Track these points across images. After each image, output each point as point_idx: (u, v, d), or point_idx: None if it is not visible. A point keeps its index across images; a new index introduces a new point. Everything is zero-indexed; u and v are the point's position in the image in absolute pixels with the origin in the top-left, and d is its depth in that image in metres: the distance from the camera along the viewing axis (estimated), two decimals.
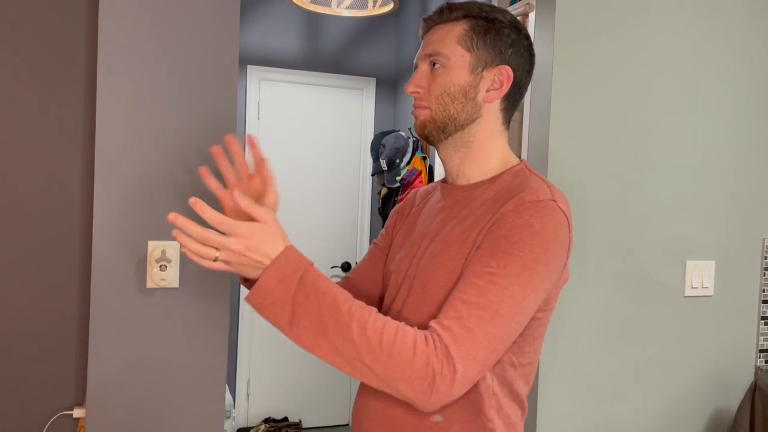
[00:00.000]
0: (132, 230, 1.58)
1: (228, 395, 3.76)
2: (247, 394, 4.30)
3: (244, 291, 4.27)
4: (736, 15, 2.17)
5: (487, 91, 1.17)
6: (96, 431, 1.58)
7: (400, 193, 3.93)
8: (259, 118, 4.25)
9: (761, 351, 2.24)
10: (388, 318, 1.03)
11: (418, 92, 1.19)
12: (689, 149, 2.13)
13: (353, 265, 4.51)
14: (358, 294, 1.35)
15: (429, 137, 1.20)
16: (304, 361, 4.40)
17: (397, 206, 1.42)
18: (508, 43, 1.17)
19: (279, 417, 4.36)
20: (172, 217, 1.02)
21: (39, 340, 1.81)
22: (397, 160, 3.92)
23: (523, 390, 1.19)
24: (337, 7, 3.14)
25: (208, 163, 1.64)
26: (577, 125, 2.00)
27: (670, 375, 2.13)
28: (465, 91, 1.16)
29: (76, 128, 1.82)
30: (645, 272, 2.09)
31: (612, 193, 2.04)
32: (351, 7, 3.20)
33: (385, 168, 4.00)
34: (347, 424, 4.55)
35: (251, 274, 1.06)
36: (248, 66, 4.20)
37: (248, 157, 1.25)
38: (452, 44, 1.16)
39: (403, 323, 1.04)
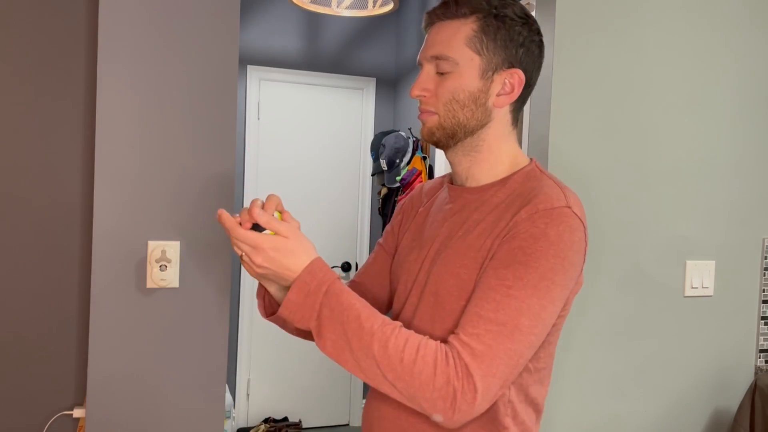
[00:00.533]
0: (132, 230, 1.58)
1: (228, 395, 3.76)
2: (247, 394, 4.30)
3: (244, 291, 4.27)
4: (736, 14, 2.17)
5: (498, 95, 1.12)
6: (96, 431, 1.58)
7: (400, 193, 3.93)
8: (259, 118, 4.25)
9: (761, 351, 2.24)
10: (411, 333, 1.02)
11: (425, 96, 1.13)
12: (689, 149, 2.13)
13: (353, 265, 4.51)
14: (365, 298, 1.32)
15: (438, 144, 1.16)
16: (304, 361, 4.40)
17: (402, 203, 1.38)
18: (519, 42, 1.10)
19: (279, 417, 4.36)
20: (220, 212, 1.05)
21: (39, 340, 1.81)
22: (397, 160, 3.92)
23: (540, 393, 1.17)
24: (337, 7, 3.14)
25: (208, 162, 1.64)
26: (577, 124, 1.99)
27: (670, 375, 2.13)
28: (475, 97, 1.10)
29: (76, 128, 1.82)
30: (645, 272, 2.09)
31: (612, 193, 2.04)
32: (351, 7, 3.20)
33: (385, 168, 4.00)
34: (347, 424, 4.55)
35: (274, 287, 1.10)
36: (248, 66, 4.20)
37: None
38: (461, 46, 1.09)
39: (425, 338, 1.02)
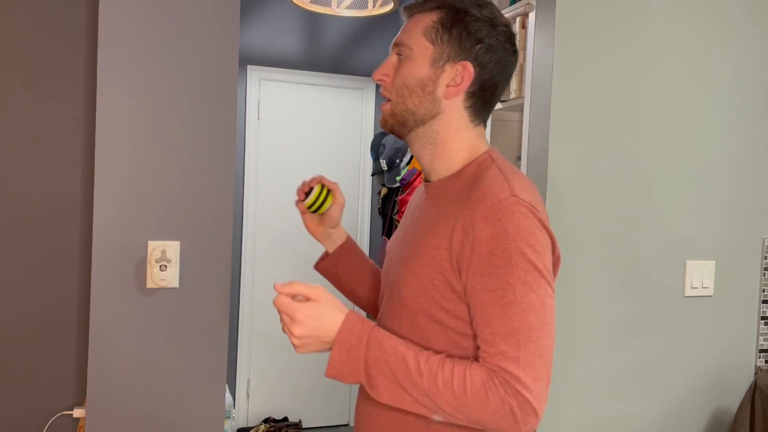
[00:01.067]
0: (132, 230, 1.58)
1: (228, 395, 3.76)
2: (247, 394, 4.30)
3: (244, 291, 4.27)
4: (736, 15, 2.17)
5: (447, 86, 1.14)
6: (96, 431, 1.58)
7: (400, 193, 3.93)
8: (259, 118, 4.25)
9: (761, 351, 2.24)
10: (455, 362, 1.05)
11: (384, 80, 1.18)
12: (689, 149, 2.13)
13: None
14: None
15: (393, 131, 1.20)
16: (304, 361, 4.40)
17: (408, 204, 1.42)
18: (476, 38, 1.12)
19: (279, 417, 4.36)
20: (277, 286, 1.08)
21: (39, 340, 1.81)
22: (397, 160, 3.92)
23: None
24: (337, 7, 3.14)
25: (208, 162, 1.64)
26: (577, 125, 1.99)
27: (670, 375, 2.13)
28: (423, 84, 1.14)
29: (76, 128, 1.82)
30: (645, 272, 2.09)
31: (612, 193, 2.04)
32: (351, 7, 3.20)
33: (385, 168, 4.00)
34: (347, 424, 4.55)
35: (322, 348, 1.10)
36: (248, 66, 4.19)
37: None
38: (418, 35, 1.14)
39: (468, 363, 1.05)
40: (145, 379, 1.60)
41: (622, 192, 2.05)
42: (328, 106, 4.41)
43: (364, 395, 1.22)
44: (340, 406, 4.53)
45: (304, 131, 4.37)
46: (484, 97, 1.16)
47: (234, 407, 4.23)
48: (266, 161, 4.28)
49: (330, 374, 1.09)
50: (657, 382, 2.12)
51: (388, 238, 3.65)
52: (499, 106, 2.52)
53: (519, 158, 2.56)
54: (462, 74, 1.13)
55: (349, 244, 1.45)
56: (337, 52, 4.42)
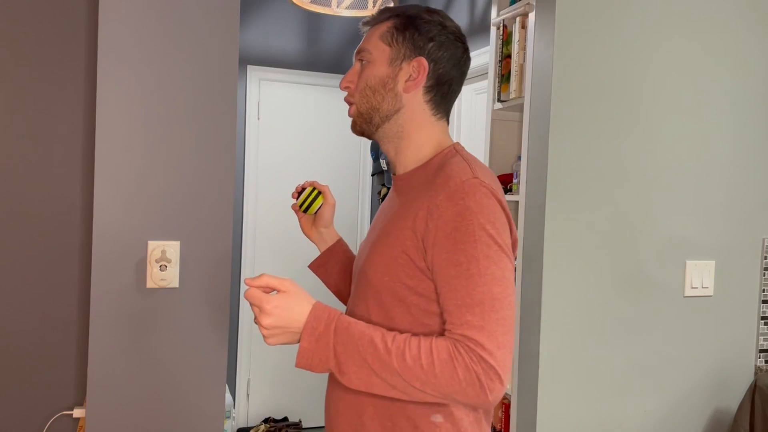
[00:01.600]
0: (132, 230, 1.58)
1: (228, 395, 3.76)
2: (247, 394, 4.30)
3: (243, 291, 4.27)
4: (735, 16, 2.17)
5: (406, 81, 1.23)
6: (96, 431, 1.58)
7: None
8: (259, 118, 4.25)
9: (761, 351, 2.24)
10: (420, 338, 1.10)
11: (349, 87, 1.28)
12: (689, 149, 2.13)
13: None
14: None
15: (363, 132, 1.29)
16: None
17: None
18: (428, 37, 1.23)
19: (279, 417, 4.36)
20: (247, 280, 1.14)
21: (39, 340, 1.81)
22: None
23: None
24: (337, 7, 3.14)
25: (208, 162, 1.64)
26: (576, 125, 2.00)
27: (669, 375, 2.13)
28: (384, 82, 1.24)
29: (76, 128, 1.82)
30: (645, 272, 2.09)
31: (612, 193, 2.04)
32: (351, 7, 3.20)
33: (385, 168, 4.00)
34: None
35: (291, 340, 1.14)
36: (248, 66, 4.19)
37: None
38: (376, 41, 1.25)
39: (433, 338, 1.10)
40: (145, 379, 1.60)
41: (622, 192, 2.05)
42: (328, 106, 4.41)
43: (332, 381, 1.27)
44: None
45: (304, 131, 4.37)
46: (441, 92, 1.26)
47: (234, 407, 4.23)
48: (266, 161, 4.27)
49: (300, 364, 1.13)
50: (657, 382, 2.12)
51: None
52: (498, 105, 2.52)
53: (519, 158, 2.56)
54: (418, 69, 1.23)
55: (339, 246, 1.54)
56: (337, 52, 4.42)
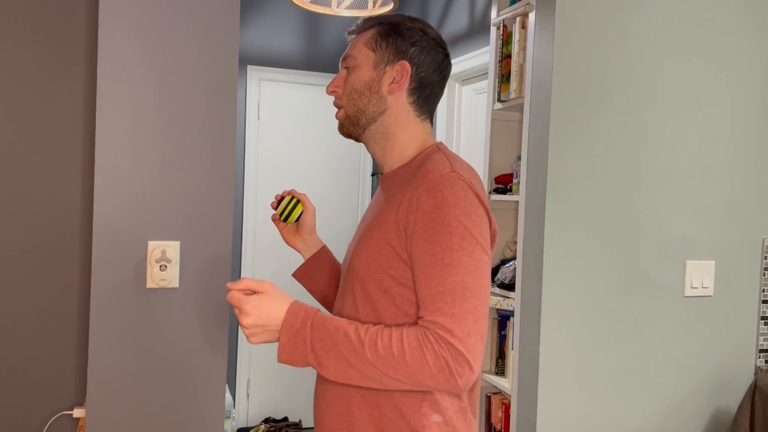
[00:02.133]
0: (132, 230, 1.58)
1: (228, 395, 3.76)
2: (247, 394, 4.30)
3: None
4: (735, 16, 2.17)
5: (390, 84, 1.29)
6: (96, 431, 1.58)
7: None
8: (259, 118, 4.25)
9: (761, 351, 2.24)
10: (392, 328, 1.16)
11: (336, 92, 1.34)
12: (689, 149, 2.13)
13: None
14: None
15: (350, 134, 1.35)
16: None
17: None
18: (410, 42, 1.30)
19: (279, 417, 4.36)
20: (228, 284, 1.21)
21: (39, 340, 1.81)
22: None
23: None
24: (337, 7, 3.14)
25: (208, 162, 1.64)
26: (576, 125, 2.00)
27: (670, 375, 2.13)
28: (369, 85, 1.30)
29: (76, 128, 1.82)
30: (645, 272, 2.09)
31: (612, 193, 2.04)
32: (351, 7, 3.20)
33: None
34: None
35: (271, 338, 1.21)
36: (248, 66, 4.19)
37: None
38: (360, 47, 1.32)
39: (404, 327, 1.15)
40: (145, 379, 1.60)
41: (622, 192, 2.05)
42: (328, 106, 4.41)
43: (319, 376, 1.32)
44: None
45: (304, 131, 4.37)
46: (424, 94, 1.32)
47: (234, 407, 4.23)
48: (266, 161, 4.27)
49: (281, 359, 1.19)
50: (657, 382, 2.12)
51: None
52: (498, 105, 2.52)
53: (519, 158, 2.56)
54: (401, 72, 1.29)
55: (323, 252, 1.57)
56: (337, 52, 4.42)
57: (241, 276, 4.26)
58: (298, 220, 1.53)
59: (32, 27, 1.78)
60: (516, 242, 2.58)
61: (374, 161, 1.43)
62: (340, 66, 1.38)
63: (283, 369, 4.37)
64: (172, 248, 1.60)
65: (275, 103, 4.29)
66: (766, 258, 2.24)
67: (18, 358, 1.79)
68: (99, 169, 1.55)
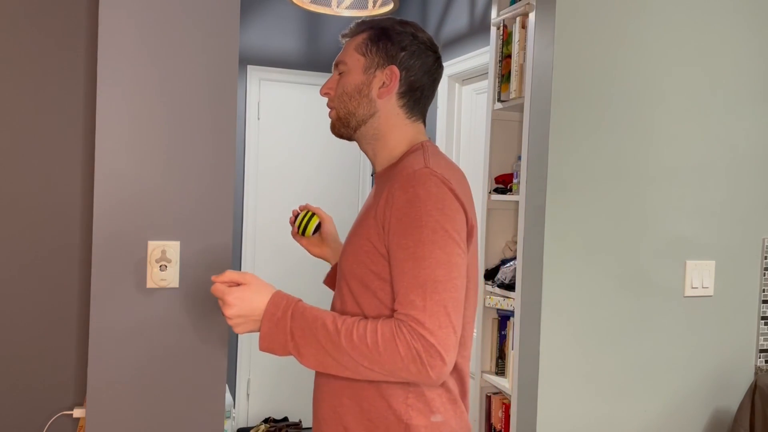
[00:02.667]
0: (132, 230, 1.58)
1: (228, 395, 3.76)
2: (247, 394, 4.30)
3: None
4: (735, 16, 2.17)
5: (380, 88, 1.33)
6: (96, 431, 1.58)
7: None
8: (259, 118, 4.25)
9: (761, 351, 2.24)
10: (368, 320, 1.19)
11: (329, 93, 1.38)
12: (689, 149, 2.13)
13: None
14: None
15: (342, 134, 1.38)
16: None
17: None
18: (400, 47, 1.33)
19: (279, 417, 4.36)
20: (213, 277, 1.26)
21: (39, 340, 1.81)
22: None
23: (461, 359, 1.31)
24: (337, 7, 3.14)
25: (208, 162, 1.64)
26: (577, 125, 2.00)
27: (670, 375, 2.13)
28: (359, 89, 1.33)
29: (76, 128, 1.82)
30: (645, 272, 2.09)
31: (612, 193, 2.04)
32: (351, 7, 3.20)
33: None
34: None
35: (255, 328, 1.24)
36: (248, 66, 4.19)
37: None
38: (351, 52, 1.36)
39: (380, 319, 1.19)
40: (145, 379, 1.60)
41: (622, 192, 2.05)
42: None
43: (317, 372, 1.36)
44: None
45: (304, 131, 4.37)
46: (414, 97, 1.35)
47: (234, 407, 4.23)
48: (266, 161, 4.27)
49: (262, 347, 1.23)
50: (657, 382, 2.12)
51: None
52: (499, 105, 2.52)
53: (519, 158, 2.56)
54: (390, 77, 1.32)
55: None
56: (337, 52, 4.42)
57: None
58: (317, 231, 1.59)
59: (32, 27, 1.78)
60: (516, 242, 2.58)
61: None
62: (332, 69, 1.41)
63: (283, 369, 4.37)
64: (172, 248, 1.60)
65: (275, 103, 4.29)
66: (766, 258, 2.24)
67: (18, 358, 1.79)
68: (99, 169, 1.55)
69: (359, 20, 1.39)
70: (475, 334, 2.67)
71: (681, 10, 2.10)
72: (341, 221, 4.46)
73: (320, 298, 3.81)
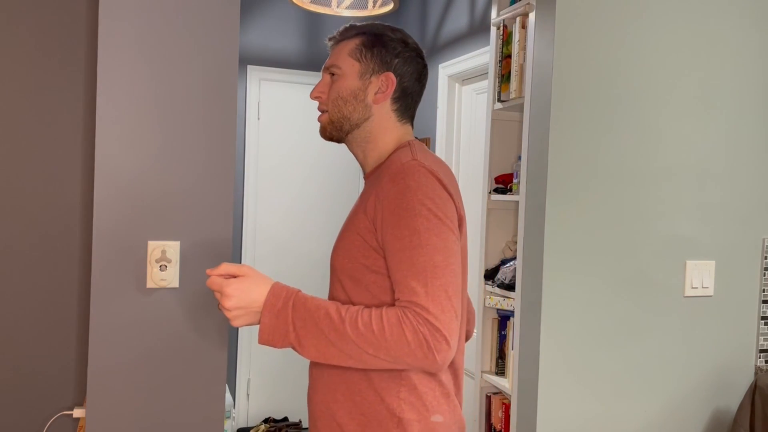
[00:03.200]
0: (132, 230, 1.58)
1: (228, 395, 3.76)
2: (247, 394, 4.30)
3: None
4: (735, 15, 2.17)
5: (375, 93, 1.36)
6: (96, 431, 1.58)
7: None
8: (259, 118, 4.25)
9: (761, 351, 2.24)
10: (371, 308, 1.21)
11: (320, 97, 1.40)
12: (689, 149, 2.13)
13: None
14: None
15: (332, 137, 1.40)
16: (304, 361, 4.40)
17: None
18: (394, 54, 1.37)
19: (279, 417, 4.36)
20: (208, 270, 1.26)
21: (39, 340, 1.81)
22: None
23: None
24: (337, 7, 3.14)
25: (208, 162, 1.64)
26: (576, 125, 2.00)
27: (670, 375, 2.13)
28: (355, 94, 1.36)
29: (76, 128, 1.83)
30: (645, 272, 2.09)
31: (612, 193, 2.04)
32: (351, 7, 3.20)
33: None
34: None
35: (254, 320, 1.24)
36: (248, 66, 4.19)
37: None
38: (345, 56, 1.37)
39: (384, 307, 1.20)
40: (145, 379, 1.60)
41: (622, 192, 2.05)
42: None
43: (312, 366, 1.38)
44: None
45: (304, 131, 4.37)
46: (406, 102, 1.39)
47: (234, 407, 4.23)
48: (266, 161, 4.28)
49: (262, 340, 1.22)
50: (657, 382, 2.12)
51: None
52: (499, 105, 2.52)
53: (519, 158, 2.56)
54: (386, 83, 1.36)
55: None
56: None
57: None
58: None
59: (32, 28, 1.78)
60: (516, 242, 2.58)
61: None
62: (322, 73, 1.43)
63: (283, 369, 4.37)
64: (172, 248, 1.60)
65: (275, 103, 4.29)
66: (766, 258, 2.24)
67: (18, 358, 1.79)
68: (99, 169, 1.56)
69: (346, 26, 1.41)
70: (475, 333, 2.67)
71: (681, 11, 2.10)
72: (340, 220, 4.46)
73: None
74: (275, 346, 1.23)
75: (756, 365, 2.24)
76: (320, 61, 4.40)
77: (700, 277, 2.15)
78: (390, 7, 3.12)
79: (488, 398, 2.56)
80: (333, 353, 1.19)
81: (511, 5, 2.49)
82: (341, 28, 1.41)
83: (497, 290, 2.50)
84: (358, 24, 1.41)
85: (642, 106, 2.06)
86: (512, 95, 2.41)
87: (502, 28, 2.52)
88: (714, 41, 2.14)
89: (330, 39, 1.43)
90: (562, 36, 1.97)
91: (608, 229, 2.04)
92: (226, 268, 1.24)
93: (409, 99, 1.40)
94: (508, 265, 2.49)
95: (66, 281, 1.82)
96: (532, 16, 2.16)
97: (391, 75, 1.36)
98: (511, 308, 2.44)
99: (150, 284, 1.59)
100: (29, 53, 1.78)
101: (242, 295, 1.22)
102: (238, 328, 4.28)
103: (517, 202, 2.56)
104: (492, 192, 2.57)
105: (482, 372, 2.60)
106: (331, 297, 1.37)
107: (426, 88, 1.49)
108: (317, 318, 1.19)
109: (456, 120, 3.60)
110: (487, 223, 2.60)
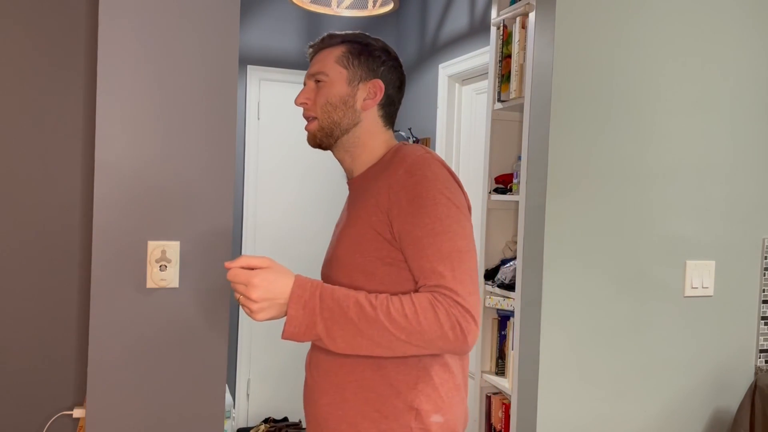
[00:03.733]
0: (132, 230, 1.58)
1: (228, 395, 3.76)
2: (247, 394, 4.30)
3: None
4: (735, 14, 2.17)
5: (364, 100, 1.39)
6: (96, 431, 1.58)
7: None
8: (259, 118, 4.25)
9: (761, 351, 2.24)
10: (400, 295, 1.21)
11: (306, 103, 1.41)
12: (689, 149, 2.13)
13: None
14: None
15: (321, 144, 1.42)
16: (304, 361, 4.40)
17: None
18: (380, 62, 1.41)
19: (279, 417, 4.36)
20: (227, 263, 1.23)
21: (39, 340, 1.81)
22: None
23: None
24: (337, 7, 3.14)
25: (208, 162, 1.64)
26: (576, 125, 2.00)
27: (670, 375, 2.13)
28: (344, 100, 1.38)
29: (76, 128, 1.83)
30: (645, 272, 2.09)
31: (612, 193, 2.04)
32: (351, 7, 3.20)
33: None
34: None
35: (278, 312, 1.22)
36: (248, 66, 4.19)
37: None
38: (332, 64, 1.39)
39: (412, 294, 1.21)
40: (145, 379, 1.60)
41: (622, 192, 2.05)
42: None
43: (310, 365, 1.37)
44: None
45: (304, 131, 4.36)
46: (391, 109, 1.44)
47: (234, 407, 4.23)
48: (266, 161, 4.27)
49: (288, 333, 1.20)
50: (657, 382, 2.12)
51: None
52: (498, 105, 2.52)
53: (519, 158, 2.56)
54: (375, 90, 1.39)
55: None
56: None
57: None
58: None
59: (32, 27, 1.78)
60: (516, 242, 2.58)
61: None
62: (305, 79, 1.44)
63: (283, 369, 4.37)
64: (172, 248, 1.60)
65: (275, 103, 4.29)
66: (766, 258, 2.24)
67: (18, 358, 1.79)
68: (99, 169, 1.56)
69: (328, 34, 1.44)
70: None
71: (681, 10, 2.10)
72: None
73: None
74: (299, 340, 1.21)
75: (756, 365, 2.24)
76: None
77: (700, 277, 2.15)
78: (390, 7, 3.12)
79: (488, 398, 2.56)
80: (363, 344, 1.19)
81: (511, 5, 2.49)
82: (321, 36, 1.44)
83: (497, 290, 2.50)
84: (338, 33, 1.44)
85: (642, 106, 2.06)
86: (512, 95, 2.41)
87: (502, 28, 2.52)
88: (714, 40, 2.14)
89: (311, 46, 1.45)
90: (562, 36, 1.97)
91: (608, 229, 2.04)
92: (247, 260, 1.21)
93: (392, 106, 1.44)
94: (508, 265, 2.49)
95: (66, 281, 1.82)
96: (532, 16, 2.16)
97: (379, 82, 1.40)
98: (511, 308, 2.44)
99: (150, 284, 1.59)
100: (29, 53, 1.78)
101: (269, 286, 1.19)
102: (238, 329, 4.28)
103: (517, 202, 2.56)
104: (492, 192, 2.57)
105: (482, 372, 2.60)
106: None
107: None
108: (346, 307, 1.19)
109: (456, 120, 3.60)
110: (487, 223, 2.60)
